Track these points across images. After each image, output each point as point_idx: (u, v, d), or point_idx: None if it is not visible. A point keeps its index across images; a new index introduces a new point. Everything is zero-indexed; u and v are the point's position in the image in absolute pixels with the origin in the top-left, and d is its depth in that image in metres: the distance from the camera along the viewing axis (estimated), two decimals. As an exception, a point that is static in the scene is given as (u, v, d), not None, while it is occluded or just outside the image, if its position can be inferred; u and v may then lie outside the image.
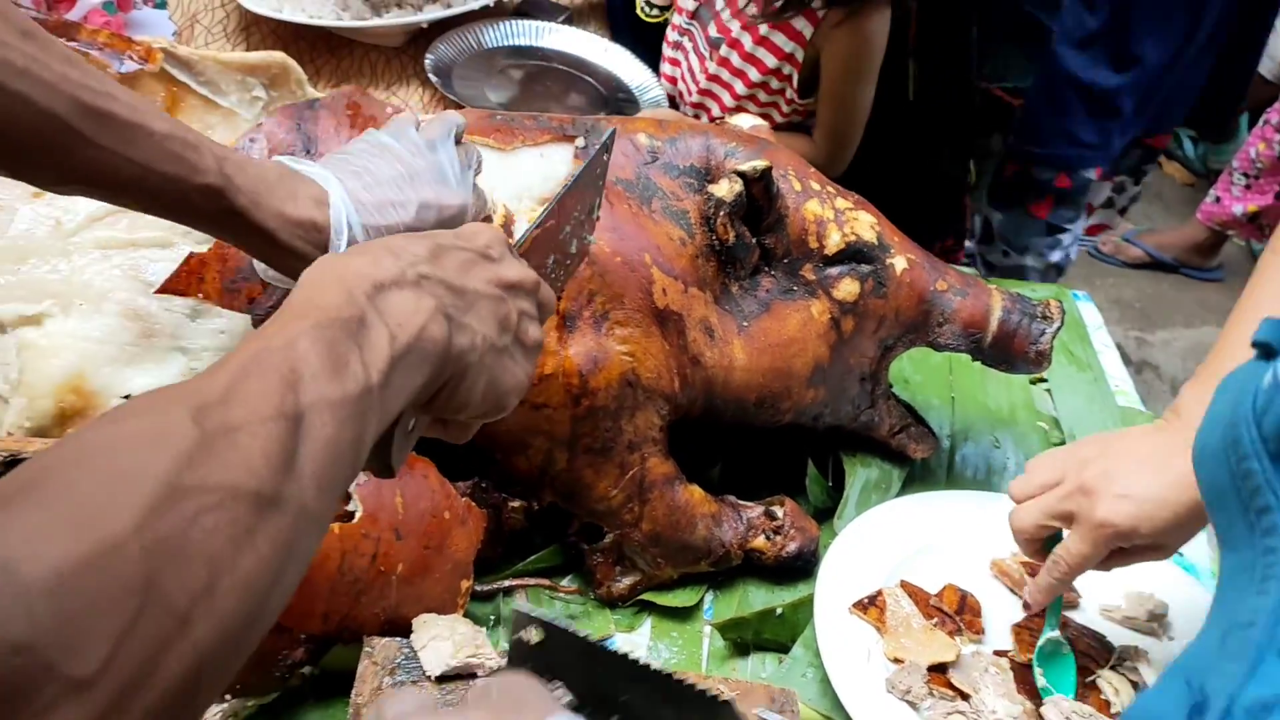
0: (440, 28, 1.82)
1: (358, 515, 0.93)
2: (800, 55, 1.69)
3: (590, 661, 0.74)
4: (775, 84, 1.75)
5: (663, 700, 0.73)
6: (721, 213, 1.05)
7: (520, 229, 1.02)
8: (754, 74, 1.74)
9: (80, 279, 0.97)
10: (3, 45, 0.67)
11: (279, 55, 1.30)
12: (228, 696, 0.95)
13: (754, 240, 1.09)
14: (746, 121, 1.23)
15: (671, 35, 1.91)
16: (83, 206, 1.01)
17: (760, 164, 1.05)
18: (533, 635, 0.74)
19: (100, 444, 0.45)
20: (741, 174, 1.05)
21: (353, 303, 0.58)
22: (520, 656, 0.74)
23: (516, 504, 1.06)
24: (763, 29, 1.70)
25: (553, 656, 0.74)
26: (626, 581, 1.10)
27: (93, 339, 0.96)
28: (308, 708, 0.99)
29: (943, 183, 2.02)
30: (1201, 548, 1.25)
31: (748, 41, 1.72)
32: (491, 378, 0.67)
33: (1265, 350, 0.49)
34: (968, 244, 2.19)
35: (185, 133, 0.76)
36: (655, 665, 0.71)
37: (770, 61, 1.72)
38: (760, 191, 1.06)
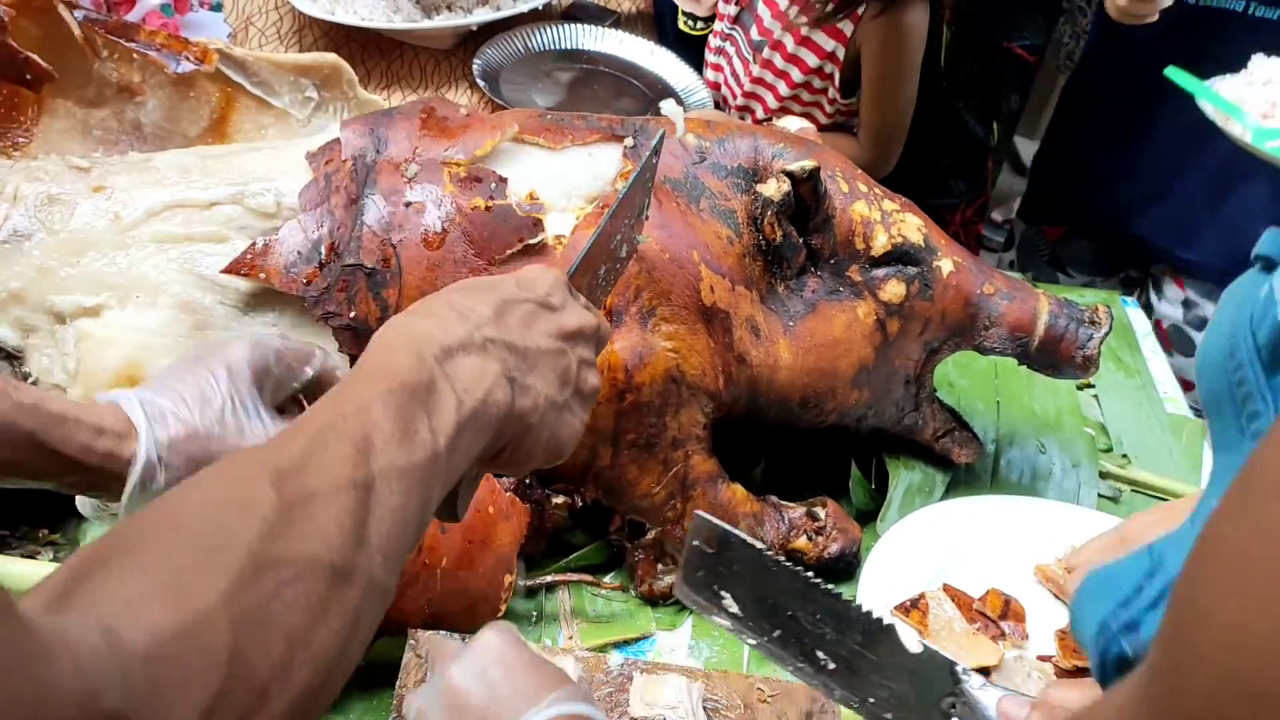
0: (489, 31, 1.83)
1: None
2: (841, 54, 1.70)
3: (761, 574, 0.77)
4: (818, 83, 1.75)
5: (827, 618, 0.76)
6: (769, 212, 1.06)
7: (554, 224, 1.03)
8: (797, 75, 1.75)
9: (137, 272, 0.99)
10: None
11: (331, 57, 1.32)
12: None
13: (801, 240, 1.09)
14: (793, 124, 1.24)
15: (714, 41, 1.91)
16: (141, 201, 1.03)
17: (808, 164, 1.05)
18: (711, 543, 0.78)
19: (191, 510, 0.47)
20: (789, 174, 1.05)
21: (423, 367, 0.59)
22: (695, 562, 0.79)
23: (559, 500, 1.07)
24: (804, 29, 1.70)
25: (726, 564, 0.78)
26: (668, 579, 1.10)
27: (148, 330, 0.98)
28: (353, 698, 1.00)
29: (970, 146, 2.01)
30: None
31: (790, 43, 1.73)
32: (552, 433, 0.68)
33: (1266, 263, 0.50)
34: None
35: None
36: (822, 584, 0.75)
37: (812, 61, 1.72)
38: (808, 192, 1.07)
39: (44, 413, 0.72)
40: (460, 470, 0.61)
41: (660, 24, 2.08)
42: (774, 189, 1.05)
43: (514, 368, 0.65)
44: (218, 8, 1.80)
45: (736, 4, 1.82)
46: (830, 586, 0.75)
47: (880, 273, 1.11)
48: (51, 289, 0.99)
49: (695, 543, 0.78)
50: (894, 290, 1.11)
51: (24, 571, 1.03)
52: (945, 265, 1.12)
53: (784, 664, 0.79)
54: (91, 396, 0.97)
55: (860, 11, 1.65)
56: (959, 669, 0.75)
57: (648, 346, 0.99)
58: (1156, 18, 1.48)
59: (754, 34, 1.78)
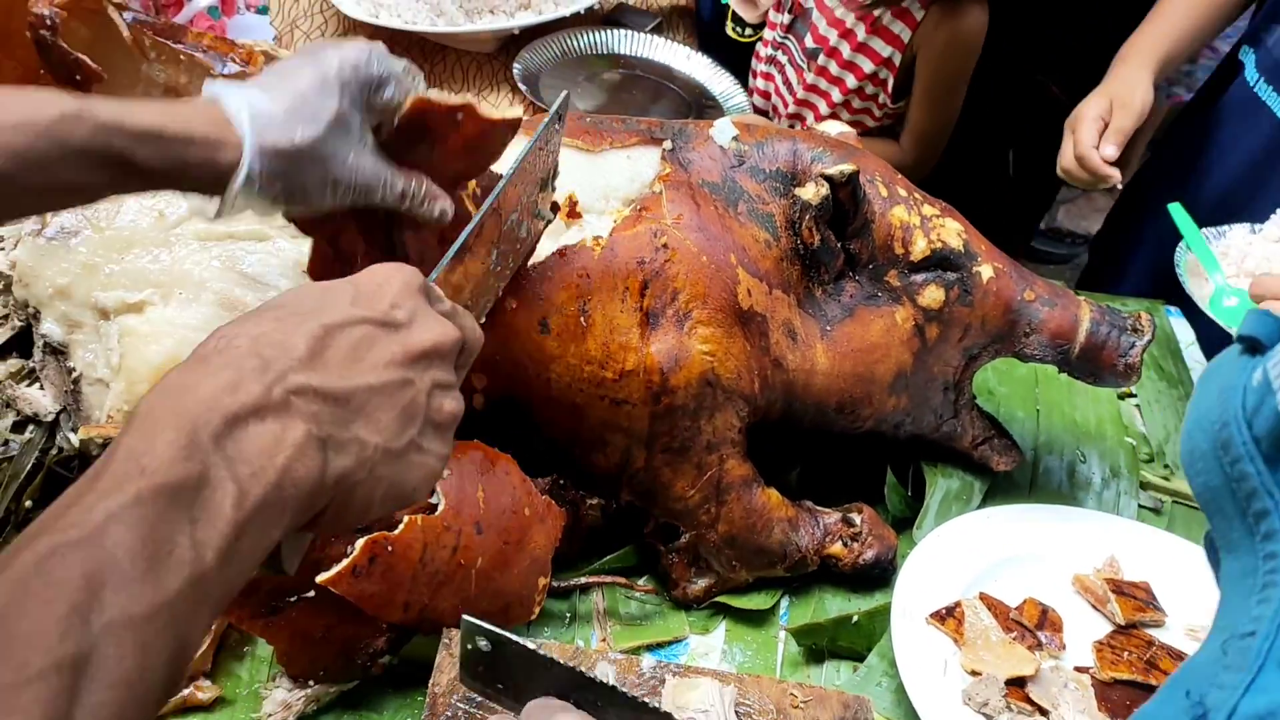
0: (530, 35, 1.84)
1: (440, 508, 0.94)
2: (898, 59, 1.70)
3: (538, 671, 0.74)
4: (870, 89, 1.75)
5: (607, 705, 0.73)
6: (807, 216, 1.05)
7: (592, 226, 1.03)
8: (851, 81, 1.75)
9: (180, 269, 1.01)
10: None
11: (373, 58, 1.33)
12: (311, 682, 0.97)
13: (839, 245, 1.09)
14: (834, 128, 1.23)
15: (764, 51, 1.91)
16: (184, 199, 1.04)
17: (847, 168, 1.04)
18: (482, 643, 0.74)
19: None
20: (828, 178, 1.05)
21: (191, 456, 0.48)
22: (472, 661, 0.76)
23: (594, 501, 1.07)
24: (861, 35, 1.70)
25: (501, 665, 0.75)
26: (701, 583, 1.10)
27: (190, 326, 0.99)
28: (387, 696, 1.01)
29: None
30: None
31: (846, 49, 1.73)
32: (391, 485, 0.59)
33: (1250, 344, 0.47)
34: None
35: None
36: (598, 677, 0.72)
37: (868, 67, 1.72)
38: (846, 196, 1.06)
39: (130, 130, 0.69)
40: (246, 573, 0.51)
41: (702, 29, 2.08)
42: (812, 193, 1.04)
43: (329, 422, 0.55)
44: (264, 11, 1.82)
45: (790, 12, 1.82)
46: (603, 680, 0.72)
47: (919, 278, 1.10)
48: (97, 285, 1.00)
49: (469, 645, 0.75)
50: (933, 296, 1.10)
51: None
52: (985, 271, 1.11)
53: None
54: (135, 391, 0.99)
55: (917, 17, 1.65)
56: None
57: (684, 349, 0.99)
58: (1109, 187, 1.52)
59: (809, 42, 1.78)
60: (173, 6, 1.60)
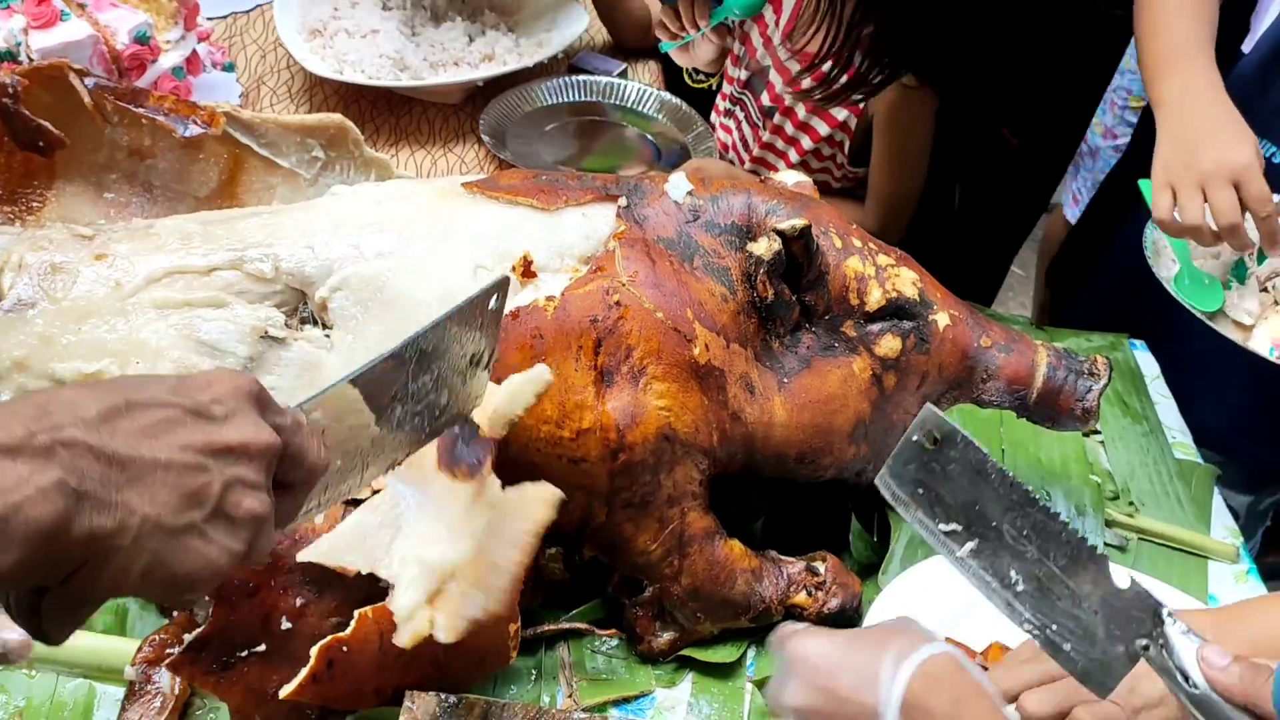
0: (496, 85, 1.86)
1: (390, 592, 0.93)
2: (854, 123, 1.69)
3: (976, 479, 0.75)
4: (827, 150, 1.75)
5: (1033, 536, 0.74)
6: (761, 270, 1.06)
7: (547, 285, 1.03)
8: (807, 142, 1.75)
9: (137, 338, 1.01)
10: None
11: (336, 117, 1.34)
12: None
13: (794, 297, 1.10)
14: (791, 178, 1.24)
15: (722, 104, 1.92)
16: (141, 267, 1.05)
17: (799, 222, 1.06)
18: (929, 437, 0.77)
19: None
20: (780, 232, 1.06)
21: None
22: (908, 456, 0.78)
23: (552, 550, 1.07)
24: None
25: (941, 463, 0.76)
26: (666, 637, 1.10)
27: (148, 396, 0.99)
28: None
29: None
30: None
31: (801, 111, 1.73)
32: (157, 560, 0.57)
33: None
34: None
35: None
36: (1041, 500, 0.73)
37: (823, 130, 1.72)
38: (800, 249, 1.07)
39: None
40: None
41: (668, 74, 2.10)
42: (765, 248, 1.05)
43: (95, 480, 0.54)
44: (230, 68, 1.83)
45: (746, 69, 1.83)
46: (1048, 505, 0.74)
47: (875, 328, 1.11)
48: (53, 356, 1.00)
49: (915, 436, 0.77)
50: (889, 345, 1.11)
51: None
52: (941, 319, 1.13)
53: (970, 575, 0.78)
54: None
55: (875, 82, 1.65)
56: (1164, 612, 0.72)
57: (639, 406, 1.00)
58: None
59: (765, 100, 1.79)
60: (136, 70, 1.61)
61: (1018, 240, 2.22)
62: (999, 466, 0.74)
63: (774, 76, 1.77)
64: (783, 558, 1.14)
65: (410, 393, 0.76)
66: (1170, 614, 0.73)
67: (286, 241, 1.07)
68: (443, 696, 0.96)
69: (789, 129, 1.76)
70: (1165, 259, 1.43)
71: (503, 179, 1.14)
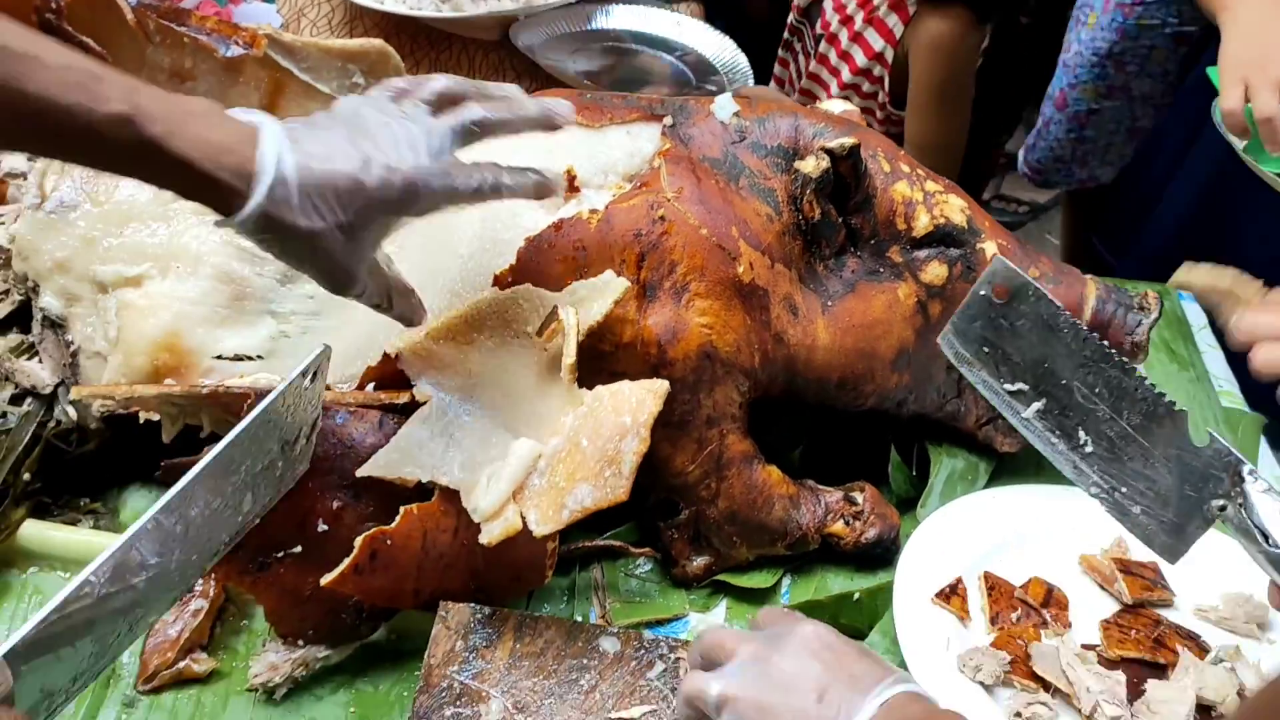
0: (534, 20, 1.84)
1: (435, 494, 0.93)
2: (890, 55, 1.66)
3: (1047, 334, 0.72)
4: (868, 86, 1.72)
5: (1105, 393, 0.71)
6: (808, 190, 1.04)
7: (590, 200, 1.03)
8: (847, 73, 1.72)
9: (178, 242, 1.01)
10: None
11: (378, 42, 1.33)
12: (300, 643, 0.97)
13: (840, 219, 1.08)
14: (837, 106, 1.22)
15: (785, 35, 1.90)
16: (183, 173, 1.04)
17: (848, 141, 1.04)
18: (1002, 293, 0.73)
19: None
20: (829, 151, 1.04)
21: None
22: (975, 311, 0.75)
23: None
24: (858, 23, 1.68)
25: (1010, 319, 0.73)
26: (701, 561, 1.09)
27: (188, 300, 0.99)
28: (383, 669, 1.00)
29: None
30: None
31: (845, 37, 1.71)
32: None
33: None
34: None
35: (87, 64, 0.70)
36: (1116, 355, 0.70)
37: (861, 60, 1.69)
38: (848, 170, 1.05)
39: (164, 156, 0.70)
40: None
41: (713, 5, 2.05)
42: (813, 166, 1.04)
43: None
44: (271, -2, 1.83)
45: None
46: (1122, 359, 0.69)
47: (922, 254, 1.10)
48: (95, 259, 1.00)
49: (983, 291, 0.74)
50: (936, 272, 1.09)
51: (65, 538, 1.05)
52: (989, 248, 1.10)
53: (1035, 437, 0.75)
54: (132, 364, 0.99)
55: (912, 11, 1.61)
56: (1245, 470, 0.69)
57: (681, 322, 0.98)
58: None
59: (817, 28, 1.77)
60: (179, -9, 1.60)
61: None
62: (1073, 320, 0.71)
63: (827, 2, 1.74)
64: (821, 486, 1.13)
65: (189, 527, 0.75)
66: (1252, 471, 0.69)
67: (328, 151, 1.06)
68: (476, 608, 0.96)
69: (833, 58, 1.74)
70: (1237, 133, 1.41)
71: (547, 96, 1.12)
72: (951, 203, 1.10)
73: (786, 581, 1.13)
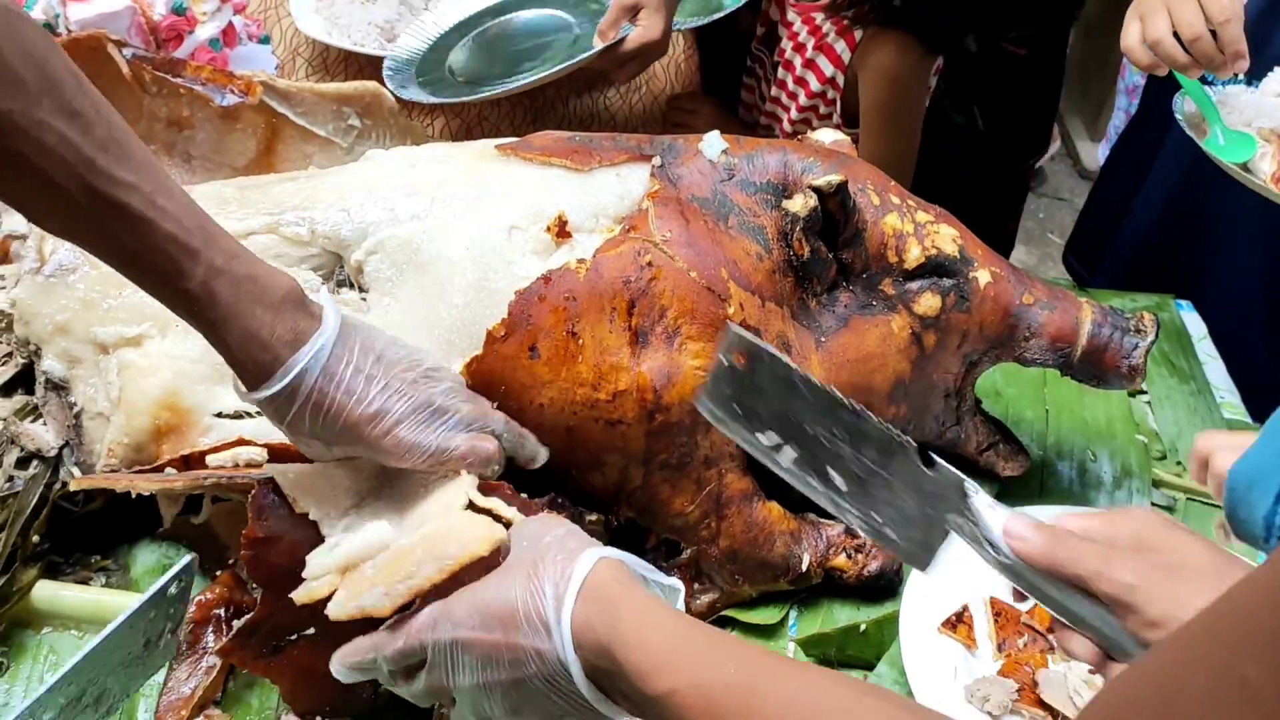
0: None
1: None
2: (841, 80, 1.68)
3: (786, 390, 0.78)
4: (823, 108, 1.73)
5: (845, 435, 0.78)
6: (797, 228, 1.05)
7: (582, 246, 1.04)
8: (803, 97, 1.73)
9: (177, 302, 1.02)
10: (40, 123, 0.69)
11: (372, 85, 1.35)
12: (319, 718, 0.98)
13: (830, 255, 1.08)
14: (828, 136, 1.23)
15: (748, 63, 1.91)
16: (179, 233, 1.05)
17: (835, 178, 1.04)
18: (741, 359, 0.79)
19: None
20: (816, 189, 1.04)
21: None
22: (723, 378, 0.81)
23: (594, 517, 1.07)
24: (810, 50, 1.70)
25: (753, 381, 0.80)
26: (705, 599, 1.10)
27: (187, 359, 1.00)
28: (391, 708, 1.01)
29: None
30: None
31: (799, 64, 1.72)
32: None
33: None
34: None
35: (190, 236, 0.77)
36: (846, 401, 0.77)
37: (815, 84, 1.71)
38: (836, 206, 1.06)
39: (227, 322, 0.79)
40: None
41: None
42: (800, 204, 1.04)
43: None
44: (265, 40, 1.84)
45: (762, 25, 1.81)
46: (853, 404, 0.77)
47: (915, 285, 1.10)
48: (95, 320, 1.02)
49: (723, 358, 0.80)
50: (929, 303, 1.10)
51: (77, 597, 1.06)
52: (982, 276, 1.11)
53: (797, 482, 0.81)
54: (134, 424, 1.00)
55: (858, 36, 1.63)
56: (968, 486, 0.76)
57: (675, 366, 0.99)
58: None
59: (775, 55, 1.78)
60: (173, 41, 1.61)
61: (1038, 149, 2.19)
62: (804, 375, 0.77)
63: (781, 30, 1.75)
64: (822, 520, 1.13)
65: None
66: (975, 489, 0.76)
67: (322, 205, 1.07)
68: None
69: (790, 84, 1.75)
70: (1198, 130, 1.42)
71: (536, 140, 1.13)
72: (943, 233, 1.11)
73: (793, 615, 1.14)
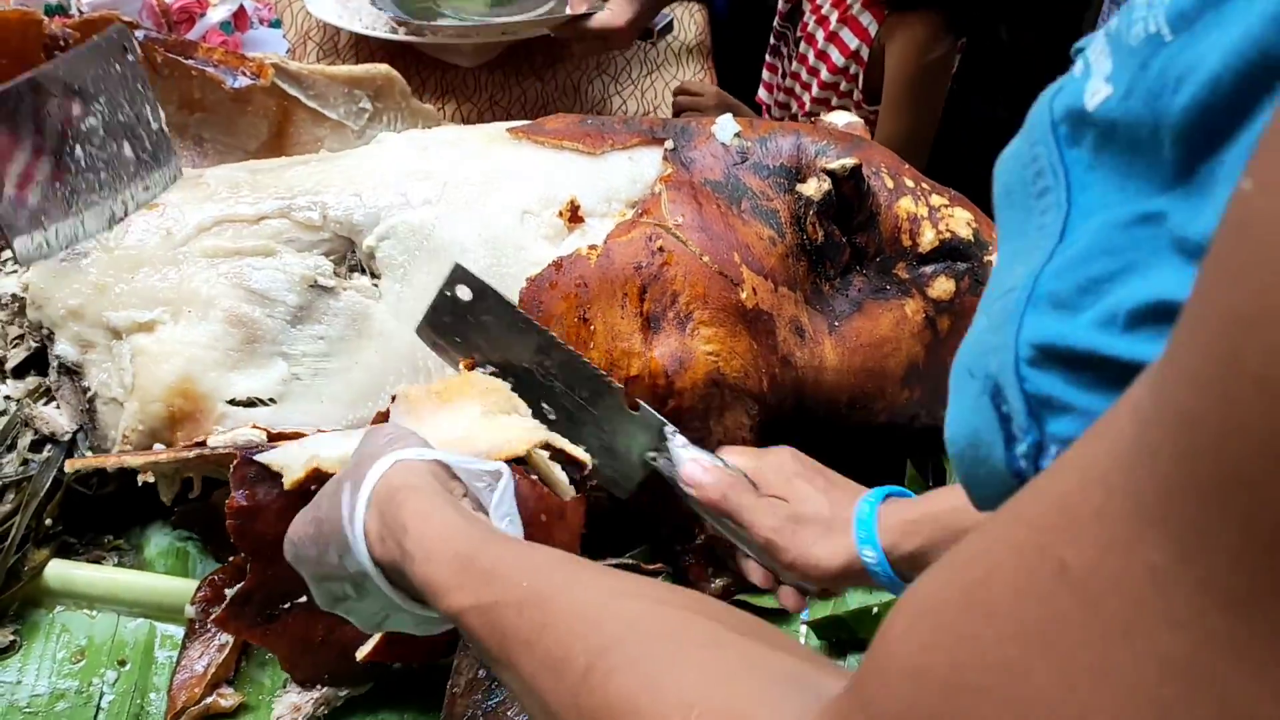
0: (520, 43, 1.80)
1: None
2: (865, 54, 1.67)
3: (507, 328, 0.88)
4: (844, 85, 1.73)
5: (559, 372, 0.87)
6: (810, 212, 1.05)
7: (594, 230, 1.04)
8: (825, 73, 1.73)
9: (188, 287, 1.02)
10: None
11: (383, 68, 1.34)
12: (320, 686, 0.98)
13: (844, 239, 1.08)
14: (841, 119, 1.22)
15: (772, 41, 1.90)
16: (191, 216, 1.05)
17: (849, 162, 1.04)
18: (463, 292, 0.87)
19: None
20: (830, 172, 1.04)
21: None
22: (445, 308, 0.89)
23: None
24: (833, 22, 1.69)
25: (475, 314, 0.88)
26: (718, 583, 1.10)
27: (200, 344, 1.00)
28: (406, 699, 1.01)
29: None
30: None
31: (820, 37, 1.72)
32: None
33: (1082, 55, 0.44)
34: None
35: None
36: (562, 342, 0.87)
37: (838, 59, 1.70)
38: (850, 190, 1.05)
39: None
40: None
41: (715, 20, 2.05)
42: (814, 188, 1.04)
43: None
44: (276, 24, 1.83)
45: (787, 1, 1.81)
46: (568, 346, 0.87)
47: (929, 269, 1.09)
48: (107, 305, 1.02)
49: (448, 292, 0.88)
50: (943, 287, 1.09)
51: (89, 576, 1.06)
52: (997, 259, 1.10)
53: None
54: (148, 410, 1.00)
55: (886, 12, 1.63)
56: (667, 430, 0.87)
57: (687, 351, 0.99)
58: None
59: (798, 31, 1.78)
60: (185, 23, 1.61)
61: None
62: (525, 315, 0.87)
63: (805, 4, 1.74)
64: (834, 504, 1.13)
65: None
66: (674, 432, 0.87)
67: (334, 189, 1.07)
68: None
69: (811, 58, 1.75)
70: None
71: (548, 123, 1.13)
72: (957, 216, 1.10)
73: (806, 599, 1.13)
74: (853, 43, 1.68)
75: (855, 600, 1.13)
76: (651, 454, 0.87)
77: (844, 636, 1.09)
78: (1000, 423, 0.40)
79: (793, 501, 0.87)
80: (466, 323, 0.88)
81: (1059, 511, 0.31)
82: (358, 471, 0.69)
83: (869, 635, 1.08)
